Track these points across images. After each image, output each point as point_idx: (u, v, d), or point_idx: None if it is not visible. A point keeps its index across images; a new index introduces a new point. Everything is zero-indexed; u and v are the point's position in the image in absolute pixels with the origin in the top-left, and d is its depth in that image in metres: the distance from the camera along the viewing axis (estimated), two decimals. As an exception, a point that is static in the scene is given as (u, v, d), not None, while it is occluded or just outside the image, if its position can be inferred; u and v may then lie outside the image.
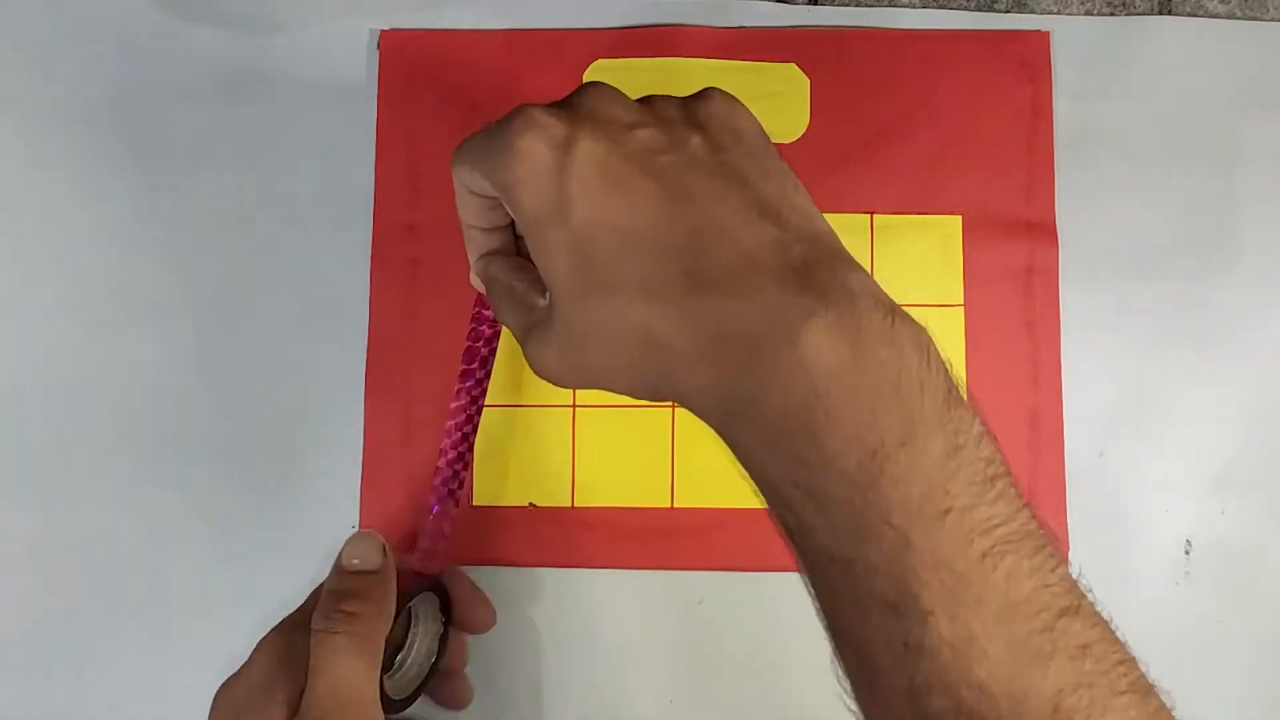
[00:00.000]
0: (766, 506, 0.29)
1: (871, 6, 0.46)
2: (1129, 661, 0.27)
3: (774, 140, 0.44)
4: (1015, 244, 0.45)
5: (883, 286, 0.44)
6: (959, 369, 0.44)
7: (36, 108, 0.46)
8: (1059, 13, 0.46)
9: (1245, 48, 0.46)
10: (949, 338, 0.45)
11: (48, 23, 0.46)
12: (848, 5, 0.46)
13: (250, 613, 0.42)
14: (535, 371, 0.33)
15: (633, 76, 0.45)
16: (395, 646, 0.40)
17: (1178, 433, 0.45)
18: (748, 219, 0.30)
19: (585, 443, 0.45)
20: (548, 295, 0.32)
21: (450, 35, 0.46)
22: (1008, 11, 0.46)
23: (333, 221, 0.45)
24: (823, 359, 0.27)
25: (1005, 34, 0.46)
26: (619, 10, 0.46)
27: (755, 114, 0.39)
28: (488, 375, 0.41)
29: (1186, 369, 0.45)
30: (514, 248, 0.35)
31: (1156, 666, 0.44)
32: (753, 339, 0.28)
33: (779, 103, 0.46)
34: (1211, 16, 0.47)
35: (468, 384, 0.40)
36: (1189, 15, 0.47)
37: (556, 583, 0.44)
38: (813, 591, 0.29)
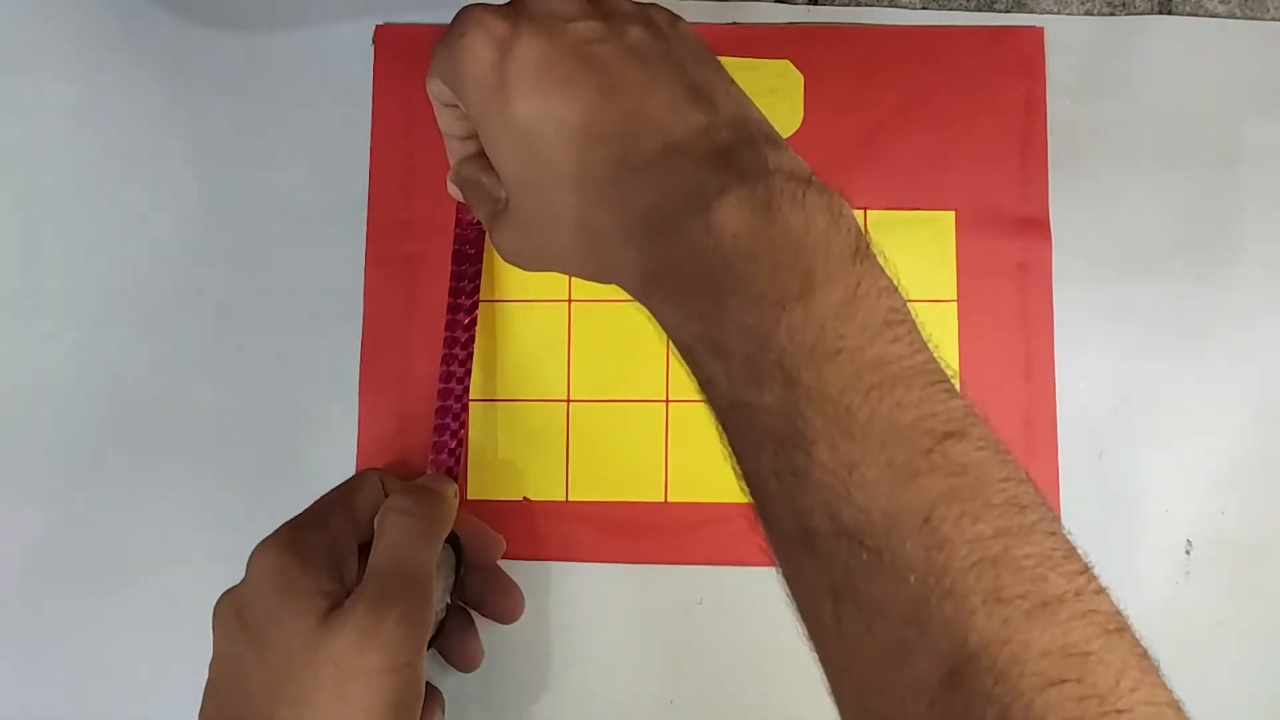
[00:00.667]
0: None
1: (871, 6, 0.46)
2: (1013, 480, 0.27)
3: (768, 136, 0.45)
4: (1009, 240, 0.45)
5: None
6: (953, 364, 0.44)
7: (36, 108, 0.46)
8: (1058, 12, 0.46)
9: (1245, 48, 0.46)
10: (943, 333, 0.45)
11: (48, 23, 0.47)
12: (847, 4, 0.46)
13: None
14: (501, 257, 0.36)
15: (629, 74, 0.45)
16: None
17: (1178, 433, 0.45)
18: (679, 107, 0.32)
19: (580, 437, 0.45)
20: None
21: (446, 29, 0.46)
22: (1007, 11, 0.46)
23: (328, 218, 0.46)
24: (730, 226, 0.29)
25: (999, 30, 0.46)
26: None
27: None
28: (479, 272, 0.44)
29: (1186, 369, 0.45)
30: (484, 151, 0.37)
31: (1156, 666, 0.44)
32: (670, 215, 0.30)
33: (773, 99, 0.46)
34: (1211, 16, 0.46)
35: (462, 283, 0.44)
36: (1189, 15, 0.46)
37: (551, 577, 0.44)
38: (722, 438, 0.30)
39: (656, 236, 0.31)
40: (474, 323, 0.44)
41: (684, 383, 0.32)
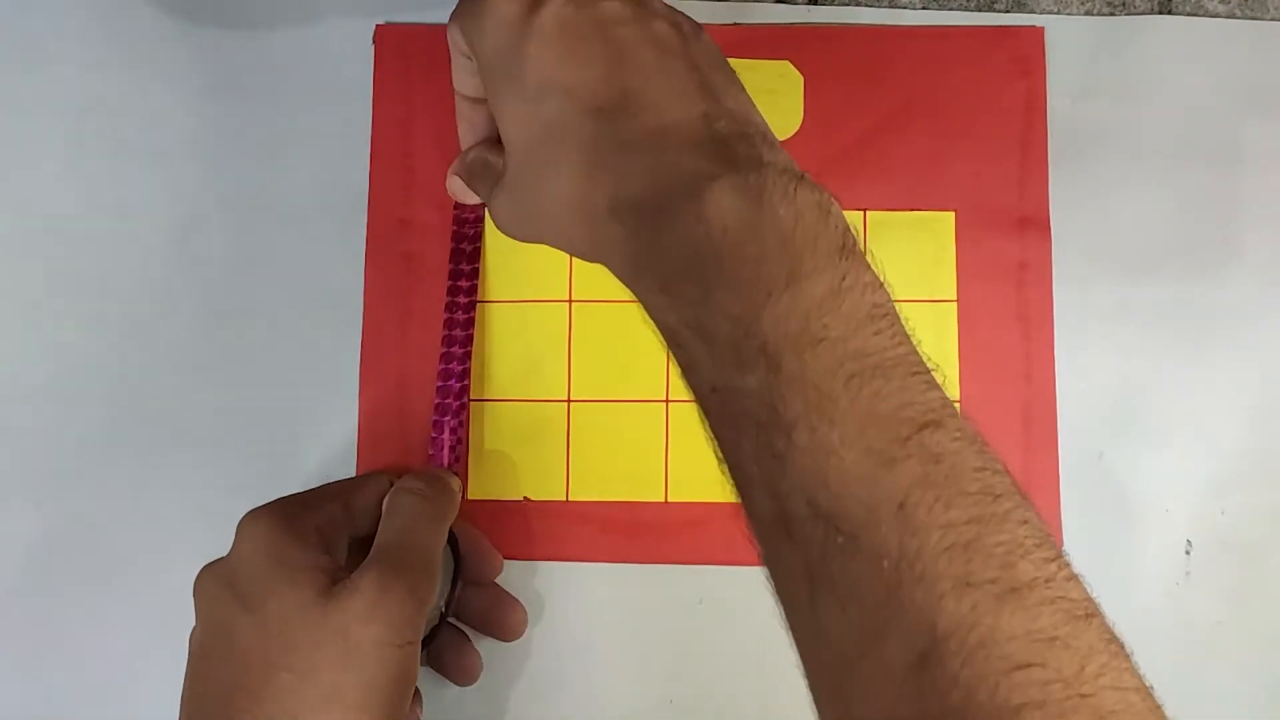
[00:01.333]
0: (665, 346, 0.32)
1: (871, 6, 0.46)
2: (988, 470, 0.27)
3: (768, 137, 0.45)
4: (1009, 239, 0.45)
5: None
6: (952, 364, 0.44)
7: (36, 108, 0.46)
8: (1058, 12, 0.46)
9: (1245, 47, 0.46)
10: (942, 333, 0.45)
11: (48, 23, 0.46)
12: (847, 4, 0.46)
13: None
14: (497, 227, 0.37)
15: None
16: None
17: (1178, 433, 0.45)
18: (685, 94, 0.33)
19: (580, 437, 0.45)
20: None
21: (446, 30, 0.46)
22: (1007, 11, 0.46)
23: (328, 217, 0.46)
24: (720, 214, 0.29)
25: (999, 30, 0.46)
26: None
27: None
28: (476, 270, 0.45)
29: (1186, 368, 0.45)
30: (495, 133, 0.38)
31: (1157, 666, 0.44)
32: (660, 197, 0.31)
33: (773, 99, 0.46)
34: (1211, 16, 0.46)
35: (459, 281, 0.44)
36: (1189, 15, 0.46)
37: (551, 577, 0.44)
38: (704, 423, 0.31)
39: (645, 217, 0.31)
40: (471, 321, 0.44)
41: (684, 383, 0.32)
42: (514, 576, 0.44)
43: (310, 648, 0.35)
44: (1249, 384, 0.45)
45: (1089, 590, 0.26)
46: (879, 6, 0.46)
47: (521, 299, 0.45)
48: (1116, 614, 0.44)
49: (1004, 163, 0.45)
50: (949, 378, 0.44)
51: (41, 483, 0.45)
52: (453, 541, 0.42)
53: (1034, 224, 0.45)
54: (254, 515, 0.38)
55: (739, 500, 0.30)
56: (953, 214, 0.45)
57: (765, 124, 0.34)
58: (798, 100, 0.46)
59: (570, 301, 0.45)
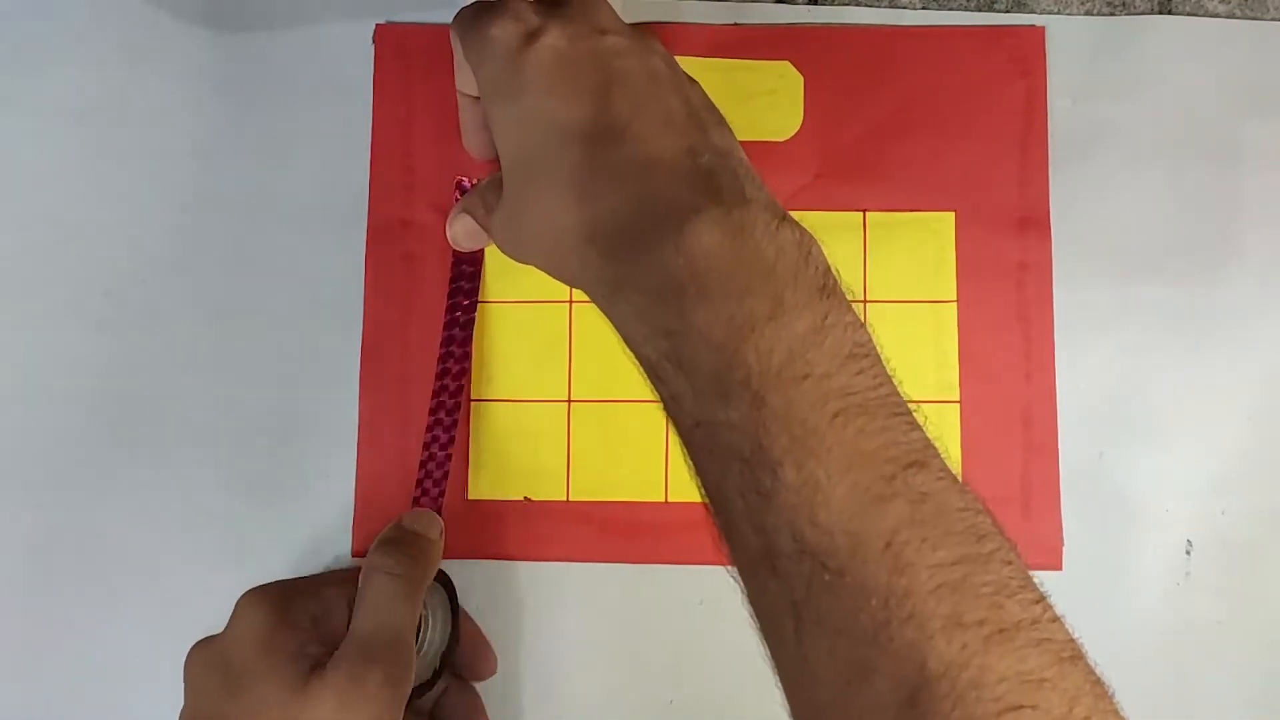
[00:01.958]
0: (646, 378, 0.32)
1: (871, 6, 0.46)
2: (971, 510, 0.28)
3: (768, 138, 0.46)
4: (1009, 239, 0.45)
5: (876, 283, 0.45)
6: (952, 364, 0.44)
7: (36, 108, 0.46)
8: (1058, 12, 0.46)
9: (1245, 47, 0.46)
10: (942, 333, 0.45)
11: (48, 23, 0.46)
12: (847, 4, 0.46)
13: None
14: (495, 245, 0.38)
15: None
16: None
17: (1178, 433, 0.45)
18: (672, 127, 0.33)
19: (580, 436, 0.45)
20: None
21: (446, 30, 0.46)
22: (1007, 11, 0.46)
23: (328, 217, 0.46)
24: (701, 245, 0.29)
25: (999, 29, 0.46)
26: (615, 7, 0.46)
27: (749, 111, 0.45)
28: (477, 273, 0.45)
29: (1186, 368, 0.45)
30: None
31: (1157, 666, 0.44)
32: (641, 226, 0.31)
33: (773, 100, 0.46)
34: (1211, 16, 0.46)
35: (461, 283, 0.45)
36: (1189, 15, 0.46)
37: (551, 577, 0.44)
38: (685, 456, 0.31)
39: (624, 244, 0.31)
40: (471, 323, 0.44)
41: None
42: (514, 576, 0.44)
43: None
44: (1249, 384, 0.45)
45: (1071, 632, 0.27)
46: (879, 6, 0.46)
47: (521, 299, 0.45)
48: (1116, 614, 0.44)
49: (1004, 163, 0.45)
50: (949, 378, 0.44)
51: (41, 483, 0.45)
52: (450, 589, 0.42)
53: (1034, 224, 0.45)
54: (251, 596, 0.38)
55: (722, 535, 0.30)
56: (953, 214, 0.45)
57: (749, 163, 0.34)
58: (798, 100, 0.46)
59: (570, 302, 0.45)
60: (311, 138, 0.46)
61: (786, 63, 0.46)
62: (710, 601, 0.44)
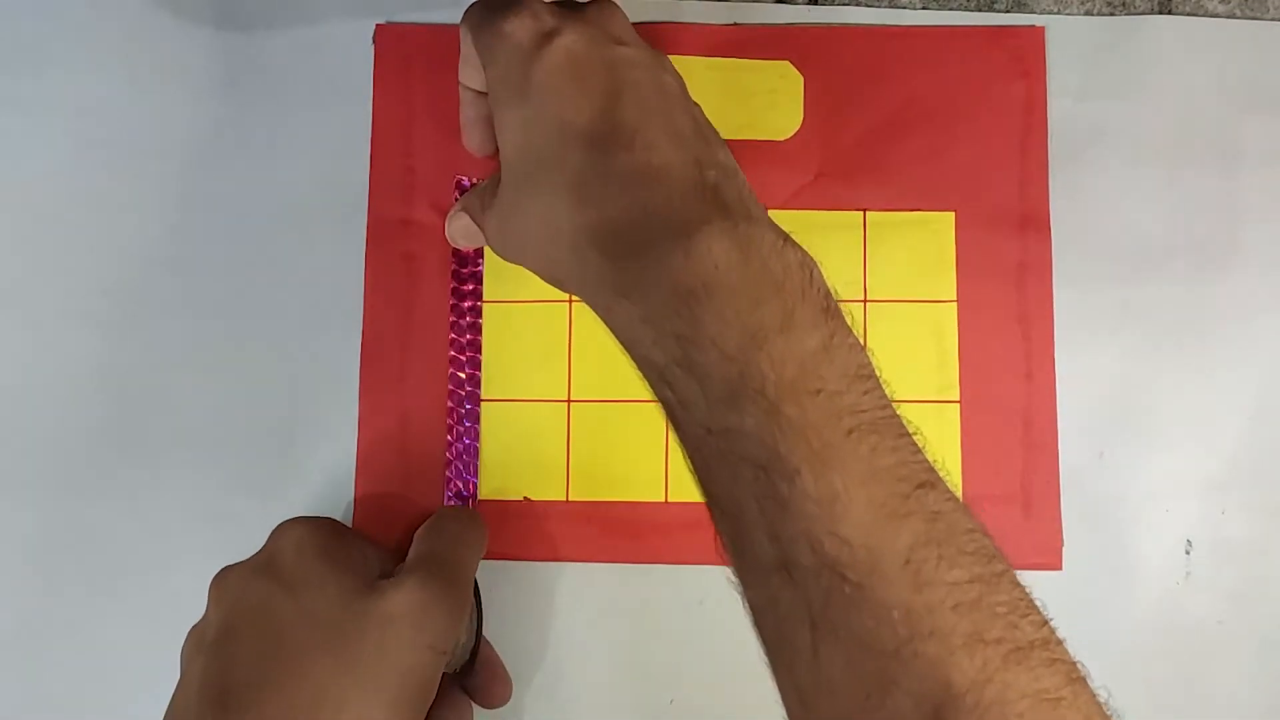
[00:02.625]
0: (647, 385, 0.32)
1: (871, 6, 0.46)
2: (978, 531, 0.28)
3: (768, 137, 0.46)
4: (1009, 239, 0.45)
5: (876, 283, 0.45)
6: (952, 364, 0.44)
7: (36, 108, 0.46)
8: (1058, 12, 0.46)
9: (1245, 47, 0.46)
10: (942, 333, 0.45)
11: (48, 23, 0.47)
12: (847, 4, 0.46)
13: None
14: (488, 245, 0.38)
15: (629, 74, 0.45)
16: None
17: (1178, 433, 0.45)
18: (680, 138, 0.33)
19: (580, 436, 0.45)
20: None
21: (446, 30, 0.46)
22: (1007, 10, 0.46)
23: (328, 217, 0.46)
24: (711, 256, 0.29)
25: (999, 30, 0.46)
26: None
27: (749, 111, 0.45)
28: (478, 275, 0.45)
29: (1186, 368, 0.45)
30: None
31: (1157, 666, 0.44)
32: (647, 232, 0.31)
33: (773, 100, 0.46)
34: (1211, 16, 0.46)
35: (463, 285, 0.45)
36: (1189, 15, 0.46)
37: (551, 577, 0.44)
38: (691, 465, 0.31)
39: (629, 248, 0.31)
40: (478, 317, 0.44)
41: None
42: (515, 576, 0.44)
43: (355, 633, 0.35)
44: (1249, 384, 0.45)
45: (1074, 653, 0.28)
46: (879, 6, 0.46)
47: (521, 299, 0.45)
48: (1116, 614, 0.44)
49: (1004, 163, 0.45)
50: (949, 378, 0.44)
51: (41, 483, 0.45)
52: (475, 592, 0.42)
53: (1034, 224, 0.45)
54: (292, 520, 0.38)
55: (729, 543, 0.30)
56: (953, 214, 0.45)
57: (749, 186, 0.34)
58: (798, 100, 0.46)
59: (570, 302, 0.45)
60: (311, 138, 0.46)
61: (786, 63, 0.46)
62: (710, 601, 0.44)
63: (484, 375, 0.45)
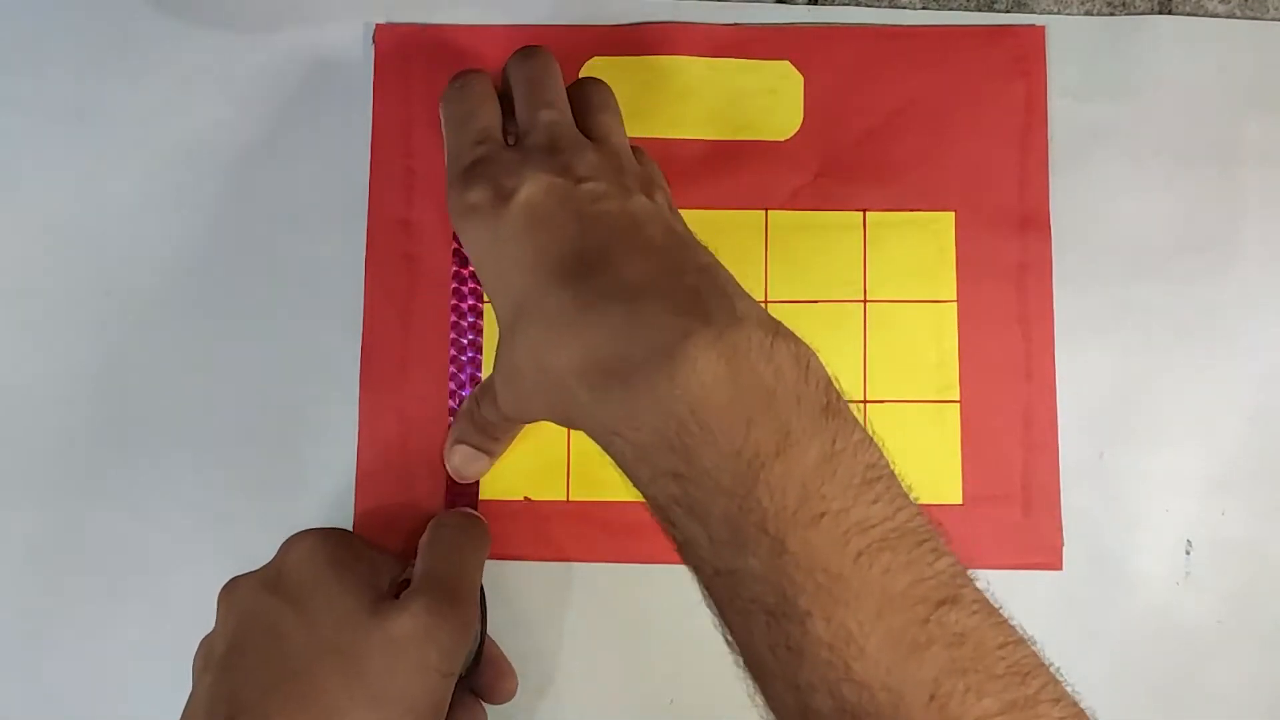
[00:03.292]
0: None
1: (871, 6, 0.46)
2: (1011, 644, 0.27)
3: (768, 137, 0.46)
4: (1009, 239, 0.45)
5: (876, 283, 0.45)
6: (952, 364, 0.44)
7: (36, 108, 0.46)
8: (1058, 12, 0.46)
9: (1245, 48, 0.46)
10: (942, 333, 0.45)
11: (48, 23, 0.46)
12: (847, 4, 0.46)
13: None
14: (505, 412, 0.37)
15: (627, 75, 0.45)
16: None
17: (1178, 433, 0.45)
18: (651, 250, 0.32)
19: (580, 437, 0.44)
20: None
21: (446, 30, 0.46)
22: (1007, 10, 0.46)
23: (328, 217, 0.46)
24: (697, 375, 0.28)
25: (999, 29, 0.46)
26: (616, 8, 0.46)
27: (749, 111, 0.45)
28: (478, 310, 0.45)
29: (1186, 369, 0.45)
30: None
31: (1157, 666, 0.44)
32: (630, 359, 0.29)
33: (773, 100, 0.46)
34: (1211, 16, 0.46)
35: (464, 285, 0.45)
36: (1189, 15, 0.46)
37: (551, 577, 0.44)
38: (707, 603, 0.30)
39: (614, 380, 0.30)
40: (478, 317, 0.44)
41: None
42: (514, 577, 0.44)
43: (359, 655, 0.35)
44: (1249, 384, 0.45)
45: None
46: (879, 6, 0.46)
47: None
48: (1116, 614, 0.44)
49: (1004, 163, 0.45)
50: (949, 378, 0.44)
51: (41, 483, 0.45)
52: (481, 596, 0.41)
53: (1034, 224, 0.45)
54: (302, 532, 0.38)
55: (755, 687, 0.29)
56: (953, 214, 0.45)
57: (734, 278, 0.33)
58: (798, 100, 0.46)
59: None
60: (311, 138, 0.46)
61: (786, 62, 0.46)
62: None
63: (484, 375, 0.45)
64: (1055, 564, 0.44)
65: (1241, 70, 0.46)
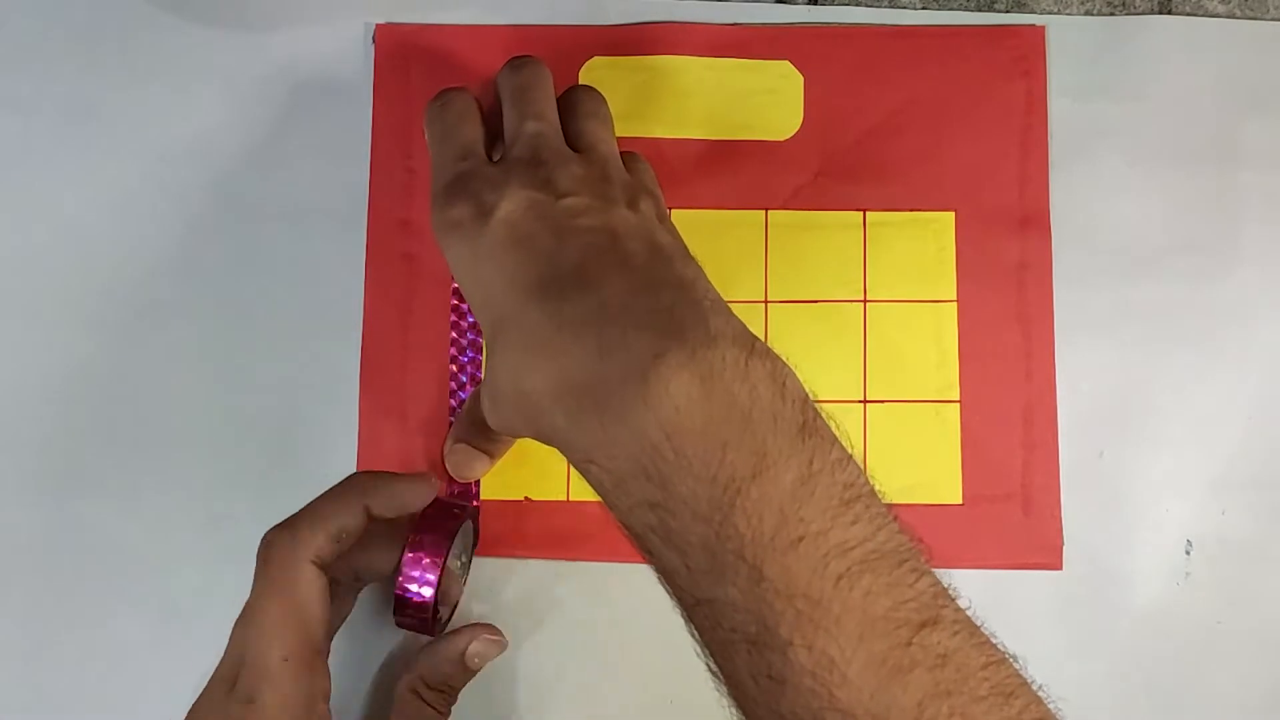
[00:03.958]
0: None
1: (871, 6, 0.46)
2: (994, 664, 0.27)
3: (768, 137, 0.46)
4: (1009, 239, 0.45)
5: (876, 283, 0.45)
6: (952, 364, 0.44)
7: (36, 108, 0.46)
8: (1058, 12, 0.46)
9: (1245, 47, 0.46)
10: (942, 333, 0.45)
11: (48, 23, 0.46)
12: (847, 4, 0.46)
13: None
14: (493, 427, 0.36)
15: (626, 75, 0.45)
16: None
17: (1178, 432, 0.45)
18: (629, 266, 0.32)
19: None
20: None
21: (446, 30, 0.46)
22: (1007, 10, 0.46)
23: (328, 217, 0.46)
24: (670, 398, 0.28)
25: (1000, 29, 0.46)
26: (615, 8, 0.46)
27: (749, 111, 0.45)
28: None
29: (1186, 368, 0.45)
30: None
31: (1157, 666, 0.44)
32: (604, 382, 0.29)
33: (773, 100, 0.46)
34: (1211, 16, 0.46)
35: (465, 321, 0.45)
36: (1189, 15, 0.46)
37: (552, 577, 0.44)
38: (690, 631, 0.29)
39: (588, 402, 0.29)
40: (478, 327, 0.45)
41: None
42: (515, 575, 0.44)
43: None
44: (1249, 384, 0.45)
45: None
46: (879, 6, 0.46)
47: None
48: (1116, 614, 0.44)
49: (1004, 163, 0.45)
50: (949, 378, 0.44)
51: (41, 483, 0.45)
52: (474, 517, 0.42)
53: (1034, 224, 0.45)
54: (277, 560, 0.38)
55: (739, 716, 0.29)
56: (953, 214, 0.45)
57: (716, 293, 0.32)
58: (798, 100, 0.46)
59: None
60: (311, 138, 0.46)
61: (786, 62, 0.46)
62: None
63: (484, 375, 0.45)
64: (1055, 564, 0.44)
65: (1241, 70, 0.46)
